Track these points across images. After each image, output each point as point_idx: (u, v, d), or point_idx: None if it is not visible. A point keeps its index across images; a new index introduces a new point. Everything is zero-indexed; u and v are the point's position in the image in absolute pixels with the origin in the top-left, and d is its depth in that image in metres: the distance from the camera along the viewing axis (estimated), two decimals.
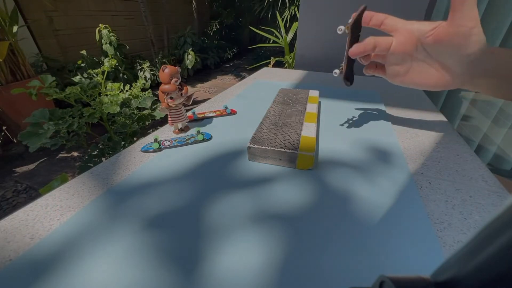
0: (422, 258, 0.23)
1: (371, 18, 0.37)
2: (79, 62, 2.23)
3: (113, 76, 2.64)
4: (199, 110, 0.56)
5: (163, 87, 0.40)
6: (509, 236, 0.07)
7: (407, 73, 0.38)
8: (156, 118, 1.28)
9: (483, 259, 0.08)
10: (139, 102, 1.28)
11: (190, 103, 0.45)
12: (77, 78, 1.53)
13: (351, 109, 0.56)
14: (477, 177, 0.34)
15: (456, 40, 0.31)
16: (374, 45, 0.36)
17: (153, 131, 0.46)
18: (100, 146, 1.13)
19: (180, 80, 0.41)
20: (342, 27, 0.38)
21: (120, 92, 1.34)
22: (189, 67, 3.48)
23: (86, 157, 1.09)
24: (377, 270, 0.22)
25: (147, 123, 1.26)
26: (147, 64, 3.04)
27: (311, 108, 0.49)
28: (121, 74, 2.68)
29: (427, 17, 0.83)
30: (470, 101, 1.10)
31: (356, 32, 0.38)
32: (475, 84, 0.35)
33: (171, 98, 0.41)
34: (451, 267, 0.09)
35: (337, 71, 0.42)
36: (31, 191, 1.46)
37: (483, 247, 0.08)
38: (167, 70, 0.39)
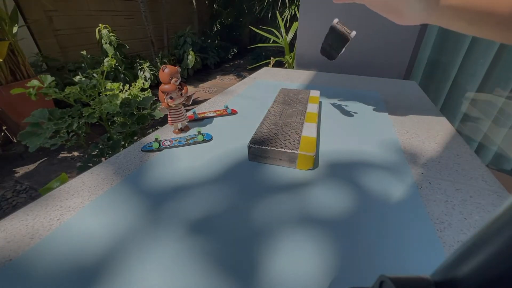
0: (422, 258, 0.23)
1: None
2: (79, 61, 2.21)
3: (113, 76, 2.64)
4: (200, 110, 0.56)
5: (163, 87, 0.40)
6: (509, 236, 0.07)
7: None
8: (155, 118, 1.27)
9: (483, 259, 0.08)
10: (138, 102, 1.27)
11: (190, 103, 0.45)
12: (77, 78, 1.53)
13: (352, 109, 0.56)
14: (477, 177, 0.34)
15: None
16: None
17: (152, 131, 0.46)
18: (100, 146, 1.13)
19: (180, 80, 0.41)
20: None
21: (119, 92, 1.34)
22: (189, 67, 3.48)
23: (86, 157, 1.09)
24: (377, 270, 0.22)
25: (146, 123, 1.26)
26: (147, 64, 3.04)
27: (312, 108, 0.49)
28: (121, 75, 2.67)
29: None
30: (470, 101, 1.10)
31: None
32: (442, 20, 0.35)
33: (171, 98, 0.41)
34: (451, 267, 0.09)
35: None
36: (31, 191, 1.46)
37: (483, 247, 0.08)
38: (167, 70, 0.39)
